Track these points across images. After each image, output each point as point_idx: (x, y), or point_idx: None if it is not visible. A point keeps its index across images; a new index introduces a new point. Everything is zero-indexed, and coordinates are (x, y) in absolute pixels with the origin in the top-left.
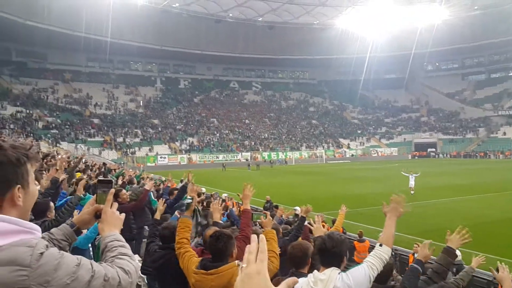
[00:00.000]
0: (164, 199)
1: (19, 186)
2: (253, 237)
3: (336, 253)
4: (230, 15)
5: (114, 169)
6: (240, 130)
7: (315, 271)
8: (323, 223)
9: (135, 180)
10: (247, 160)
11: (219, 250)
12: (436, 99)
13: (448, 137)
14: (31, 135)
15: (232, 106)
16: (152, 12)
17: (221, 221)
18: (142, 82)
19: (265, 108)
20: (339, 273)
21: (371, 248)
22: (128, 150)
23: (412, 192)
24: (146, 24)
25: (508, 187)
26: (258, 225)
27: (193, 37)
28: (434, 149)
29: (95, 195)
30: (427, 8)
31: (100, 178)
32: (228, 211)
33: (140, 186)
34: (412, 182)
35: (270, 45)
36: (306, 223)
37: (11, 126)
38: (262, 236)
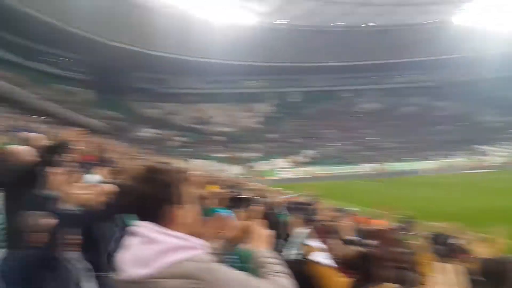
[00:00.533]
0: None
1: (178, 205)
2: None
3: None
4: (337, 24)
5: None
6: (359, 141)
7: None
8: None
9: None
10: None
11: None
12: None
13: None
14: (167, 154)
15: (348, 116)
16: (261, 31)
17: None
18: (256, 99)
19: (384, 116)
20: None
21: None
22: (247, 164)
23: None
24: (257, 43)
25: None
26: None
27: (301, 51)
28: None
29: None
30: None
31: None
32: None
33: None
34: None
35: (382, 49)
36: None
37: (149, 146)
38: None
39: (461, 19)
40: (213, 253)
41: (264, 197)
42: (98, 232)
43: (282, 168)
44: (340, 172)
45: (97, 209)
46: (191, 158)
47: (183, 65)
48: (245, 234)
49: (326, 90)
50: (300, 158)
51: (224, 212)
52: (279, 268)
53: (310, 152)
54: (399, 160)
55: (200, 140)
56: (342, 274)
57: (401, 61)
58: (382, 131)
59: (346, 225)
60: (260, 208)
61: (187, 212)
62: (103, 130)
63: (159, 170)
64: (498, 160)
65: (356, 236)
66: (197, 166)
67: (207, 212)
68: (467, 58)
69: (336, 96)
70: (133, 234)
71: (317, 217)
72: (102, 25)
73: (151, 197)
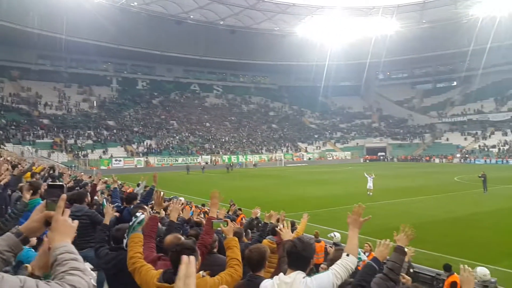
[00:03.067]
0: (113, 205)
1: None
2: (183, 258)
3: (304, 256)
4: (191, 16)
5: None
6: (200, 133)
7: (281, 273)
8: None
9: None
10: (207, 163)
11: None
12: (387, 106)
13: (397, 142)
14: None
15: (193, 109)
16: (110, 10)
17: (177, 221)
18: (96, 82)
19: (226, 111)
20: (303, 277)
21: (327, 249)
22: (80, 153)
23: (370, 193)
24: (103, 22)
25: (450, 189)
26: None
27: (152, 38)
28: (384, 153)
29: (44, 201)
30: (381, 19)
31: (49, 183)
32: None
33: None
34: (370, 184)
35: (231, 49)
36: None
37: None
38: (191, 258)
39: (302, 31)
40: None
41: (87, 185)
42: None
43: (118, 157)
44: (177, 163)
45: None
46: (6, 141)
47: (13, 34)
48: (44, 225)
49: (174, 81)
50: (137, 148)
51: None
52: (77, 264)
53: (148, 142)
54: (235, 153)
55: (21, 122)
56: (163, 262)
57: (247, 62)
58: (222, 125)
59: (174, 208)
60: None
61: None
62: None
63: None
64: (313, 155)
65: (180, 223)
66: (7, 151)
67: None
68: (304, 66)
69: (183, 88)
70: None
71: (152, 205)
72: None
73: None
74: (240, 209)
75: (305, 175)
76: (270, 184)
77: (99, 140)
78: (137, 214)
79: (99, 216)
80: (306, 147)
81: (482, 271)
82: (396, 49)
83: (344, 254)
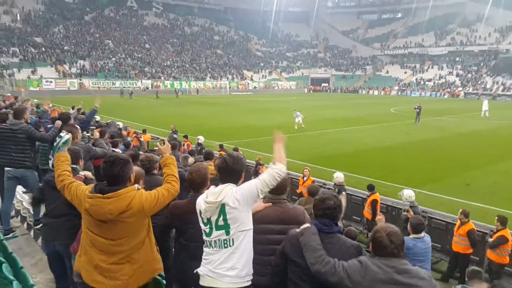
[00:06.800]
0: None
1: None
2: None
3: (235, 170)
4: None
5: None
6: (139, 55)
7: (212, 186)
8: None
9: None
10: (148, 88)
11: (115, 175)
12: (333, 36)
13: (340, 73)
14: None
15: (130, 28)
16: None
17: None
18: None
19: (167, 33)
20: (231, 188)
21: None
22: (5, 72)
23: (302, 126)
24: None
25: (384, 119)
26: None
27: None
28: (327, 84)
29: None
30: None
31: None
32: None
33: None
34: (298, 119)
35: None
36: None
37: None
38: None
39: None
40: None
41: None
42: None
43: (49, 78)
44: (114, 87)
45: None
46: None
47: None
48: None
49: None
50: (69, 69)
51: None
52: None
53: (82, 63)
54: (176, 78)
55: None
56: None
57: None
58: (163, 48)
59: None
60: None
61: None
62: None
63: None
64: (258, 84)
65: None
66: None
67: None
68: None
69: (118, 4)
70: None
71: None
72: None
73: None
74: (186, 136)
75: (250, 103)
76: (214, 112)
77: (26, 58)
78: (61, 134)
79: (37, 132)
80: (252, 76)
81: (408, 192)
82: None
83: (271, 163)
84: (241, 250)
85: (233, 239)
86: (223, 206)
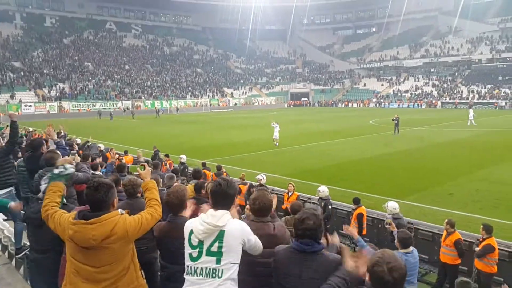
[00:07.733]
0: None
1: None
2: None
3: (229, 194)
4: None
5: None
6: (119, 76)
7: (210, 209)
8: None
9: None
10: (128, 108)
11: (99, 200)
12: (310, 52)
13: (319, 87)
14: None
15: (110, 50)
16: None
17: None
18: None
19: (147, 53)
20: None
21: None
22: None
23: (276, 143)
24: None
25: (365, 131)
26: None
27: None
28: (306, 99)
29: None
30: None
31: None
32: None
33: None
34: (276, 134)
35: None
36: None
37: None
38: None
39: None
40: None
41: None
42: None
43: (28, 103)
44: (94, 108)
45: None
46: None
47: None
48: None
49: (87, 18)
50: (49, 92)
51: None
52: None
53: (61, 86)
54: (157, 98)
55: None
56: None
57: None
58: (143, 69)
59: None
60: None
61: None
62: None
63: None
64: (239, 101)
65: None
66: None
67: None
68: (229, 7)
69: (97, 26)
70: None
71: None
72: None
73: None
74: (167, 155)
75: (231, 120)
76: (195, 130)
77: (4, 83)
78: (67, 166)
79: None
80: (232, 92)
81: (393, 204)
82: None
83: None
84: (228, 285)
85: (222, 270)
86: (222, 232)
